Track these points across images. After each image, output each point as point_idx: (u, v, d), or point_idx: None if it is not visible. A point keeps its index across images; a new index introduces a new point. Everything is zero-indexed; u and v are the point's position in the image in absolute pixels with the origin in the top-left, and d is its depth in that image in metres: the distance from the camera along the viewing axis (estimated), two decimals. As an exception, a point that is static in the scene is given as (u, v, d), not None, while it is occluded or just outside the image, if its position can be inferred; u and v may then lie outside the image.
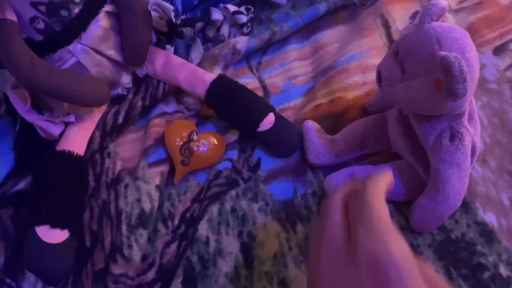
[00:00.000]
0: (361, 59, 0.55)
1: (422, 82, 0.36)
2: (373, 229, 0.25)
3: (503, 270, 0.41)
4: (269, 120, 0.48)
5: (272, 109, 0.50)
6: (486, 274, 0.42)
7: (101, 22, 0.48)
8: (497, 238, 0.43)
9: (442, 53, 0.32)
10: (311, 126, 0.49)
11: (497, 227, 0.44)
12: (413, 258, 0.24)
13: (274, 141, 0.49)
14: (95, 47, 0.48)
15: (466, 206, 0.45)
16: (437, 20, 0.38)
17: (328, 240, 0.28)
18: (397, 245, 0.25)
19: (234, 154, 0.50)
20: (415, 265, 0.24)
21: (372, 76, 0.55)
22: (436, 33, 0.35)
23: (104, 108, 0.53)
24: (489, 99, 0.51)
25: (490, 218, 0.44)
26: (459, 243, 0.44)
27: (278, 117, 0.49)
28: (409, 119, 0.42)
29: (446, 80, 0.32)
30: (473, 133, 0.40)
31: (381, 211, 0.27)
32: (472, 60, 0.35)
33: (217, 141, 0.50)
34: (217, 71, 0.56)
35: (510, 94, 0.51)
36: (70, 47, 0.46)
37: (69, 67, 0.47)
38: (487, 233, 0.44)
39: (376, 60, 0.56)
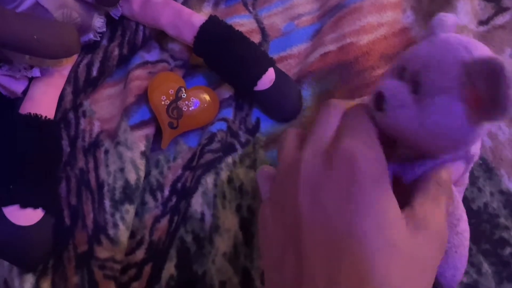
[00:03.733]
0: (377, -5, 0.47)
1: (450, 99, 0.26)
2: (357, 135, 0.27)
3: (526, 247, 0.38)
4: (268, 78, 0.41)
5: (272, 63, 0.42)
6: (508, 251, 0.38)
7: (61, -48, 0.38)
8: (522, 211, 0.39)
9: (482, 55, 0.24)
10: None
11: (524, 199, 0.39)
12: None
13: (273, 103, 0.42)
14: (56, -16, 0.39)
15: (490, 172, 0.41)
16: None
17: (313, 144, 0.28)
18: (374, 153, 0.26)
19: (229, 113, 0.43)
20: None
21: (389, 16, 0.47)
22: (460, 41, 0.27)
23: (74, 58, 0.44)
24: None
25: (516, 187, 0.40)
26: (481, 214, 0.40)
27: (279, 73, 0.42)
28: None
29: (493, 88, 0.23)
30: None
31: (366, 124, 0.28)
32: None
33: (209, 97, 0.43)
34: (206, 10, 0.47)
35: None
36: (25, -16, 0.37)
37: (27, 10, 0.38)
38: (511, 204, 0.40)
39: (394, -4, 0.47)
